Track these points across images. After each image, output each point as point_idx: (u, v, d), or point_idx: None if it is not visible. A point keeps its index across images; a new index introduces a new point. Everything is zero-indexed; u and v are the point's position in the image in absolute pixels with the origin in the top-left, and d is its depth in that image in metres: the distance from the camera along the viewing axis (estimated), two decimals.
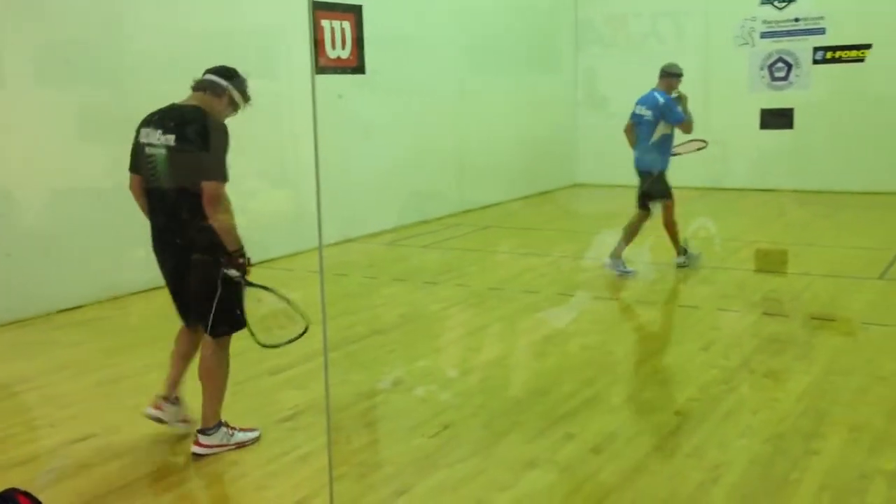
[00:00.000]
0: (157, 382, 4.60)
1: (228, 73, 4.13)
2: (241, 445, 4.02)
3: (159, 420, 4.17)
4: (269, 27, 8.54)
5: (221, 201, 3.77)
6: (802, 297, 6.70)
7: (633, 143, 7.36)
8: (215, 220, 3.75)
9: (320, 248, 3.50)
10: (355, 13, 9.42)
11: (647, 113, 7.19)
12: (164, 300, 6.75)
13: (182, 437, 4.19)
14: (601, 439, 3.98)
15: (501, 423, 4.22)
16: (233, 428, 4.05)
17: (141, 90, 7.28)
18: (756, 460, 3.72)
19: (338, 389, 4.31)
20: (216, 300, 3.85)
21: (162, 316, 6.44)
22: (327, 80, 9.06)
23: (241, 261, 3.86)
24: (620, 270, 7.17)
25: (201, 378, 4.03)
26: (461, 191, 11.37)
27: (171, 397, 4.24)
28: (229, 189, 4.12)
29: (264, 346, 4.06)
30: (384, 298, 6.81)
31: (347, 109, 9.08)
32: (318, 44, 9.01)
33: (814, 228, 9.30)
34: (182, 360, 4.25)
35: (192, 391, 4.17)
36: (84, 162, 6.92)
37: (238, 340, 4.58)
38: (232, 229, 3.81)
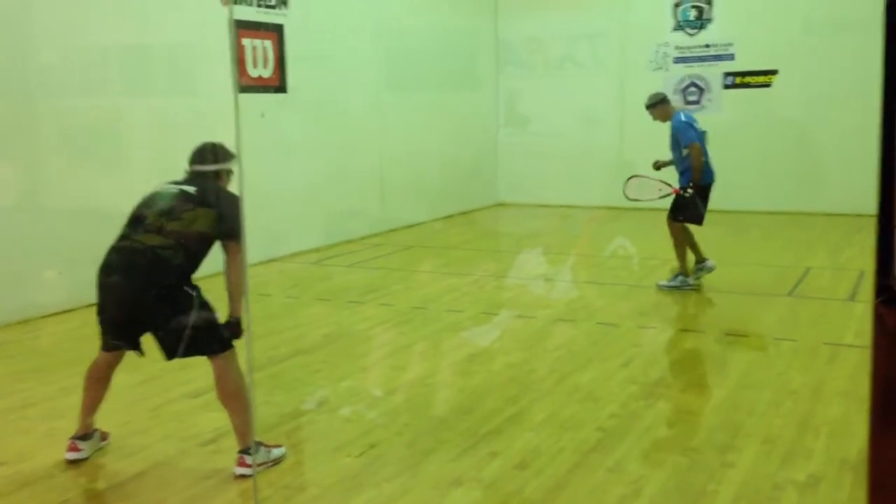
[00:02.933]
0: (69, 407, 4.48)
1: (211, 159, 4.08)
2: (276, 462, 3.94)
3: (80, 459, 4.05)
4: (186, 44, 8.43)
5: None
6: (716, 313, 6.93)
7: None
8: (238, 279, 3.88)
9: (244, 266, 3.45)
10: (277, 32, 9.37)
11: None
12: (76, 323, 6.65)
13: (100, 460, 4.08)
14: (525, 456, 4.03)
15: (427, 442, 4.23)
16: (267, 445, 3.96)
17: (50, 106, 7.11)
18: (674, 473, 3.82)
19: (262, 410, 4.26)
20: (194, 324, 3.81)
21: (73, 339, 6.32)
22: (249, 99, 8.99)
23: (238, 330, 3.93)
24: (688, 285, 7.21)
25: (224, 402, 3.93)
26: (384, 210, 11.38)
27: (90, 433, 4.12)
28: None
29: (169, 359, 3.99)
30: (308, 318, 6.76)
31: (270, 128, 9.02)
32: (239, 62, 8.93)
33: (725, 247, 9.58)
34: (100, 392, 4.12)
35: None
36: None
37: (150, 365, 4.51)
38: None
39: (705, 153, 7.28)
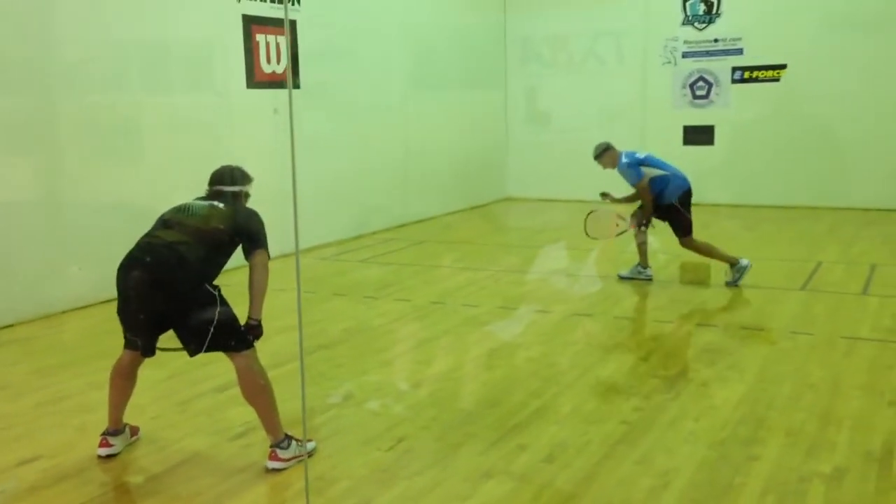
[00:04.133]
0: (99, 402, 4.55)
1: (234, 181, 4.24)
2: (308, 456, 4.00)
3: (112, 455, 4.12)
4: (202, 41, 8.48)
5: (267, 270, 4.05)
6: (731, 307, 6.98)
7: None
8: (261, 284, 4.01)
9: (297, 256, 3.50)
10: (290, 28, 9.41)
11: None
12: (98, 318, 6.71)
13: (133, 454, 4.15)
14: (553, 449, 4.09)
15: (455, 436, 4.29)
16: (298, 440, 4.03)
17: (71, 101, 7.15)
18: (702, 466, 3.87)
19: (288, 405, 4.30)
20: (216, 321, 3.89)
21: (97, 333, 6.38)
22: (262, 95, 9.03)
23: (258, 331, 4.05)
24: (736, 279, 7.35)
25: (249, 399, 4.01)
26: (395, 205, 11.43)
27: (120, 429, 4.18)
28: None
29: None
30: (326, 313, 6.81)
31: (283, 124, 9.06)
32: (252, 58, 8.98)
33: (737, 241, 9.63)
34: (127, 389, 4.19)
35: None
36: (8, 174, 6.73)
37: (177, 359, 4.57)
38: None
39: (667, 167, 7.46)
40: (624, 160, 7.44)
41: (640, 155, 7.50)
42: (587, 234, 7.67)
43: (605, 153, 7.54)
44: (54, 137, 7.09)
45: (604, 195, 7.66)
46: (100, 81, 7.42)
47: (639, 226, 7.52)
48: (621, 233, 7.63)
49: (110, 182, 7.42)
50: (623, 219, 7.56)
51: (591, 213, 7.67)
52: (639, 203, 7.53)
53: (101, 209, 7.24)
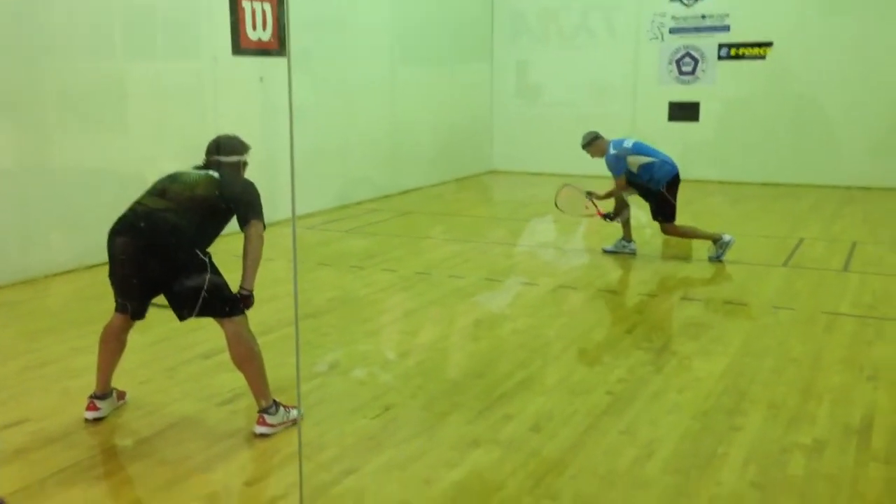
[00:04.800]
0: (83, 367, 4.56)
1: (232, 151, 4.20)
2: (294, 423, 4.02)
3: (98, 418, 4.12)
4: (187, 6, 8.37)
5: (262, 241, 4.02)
6: (715, 282, 7.04)
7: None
8: (255, 254, 3.98)
9: (293, 226, 3.49)
10: None
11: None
12: (82, 283, 6.68)
13: (120, 418, 4.15)
14: (539, 419, 4.14)
15: (441, 405, 4.32)
16: (286, 406, 4.04)
17: (56, 68, 7.06)
18: (686, 436, 3.93)
19: (275, 373, 4.31)
20: (207, 287, 3.89)
21: (81, 299, 6.36)
22: (248, 62, 8.94)
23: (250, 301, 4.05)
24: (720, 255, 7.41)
25: (239, 365, 4.01)
26: (381, 176, 11.40)
27: (107, 393, 4.18)
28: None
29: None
30: (311, 283, 6.81)
31: (270, 92, 8.99)
32: (238, 25, 8.88)
33: (721, 218, 9.73)
34: (116, 353, 4.19)
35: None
36: None
37: (163, 325, 4.58)
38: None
39: (655, 153, 7.49)
40: (612, 151, 7.47)
41: (628, 143, 7.52)
42: (556, 205, 7.74)
43: (593, 142, 7.58)
44: (38, 103, 7.00)
45: (589, 194, 7.69)
46: (83, 47, 7.32)
47: (606, 217, 7.61)
48: (589, 216, 7.72)
49: (94, 148, 7.35)
50: (594, 204, 7.64)
51: (565, 185, 7.73)
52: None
53: (85, 176, 7.19)
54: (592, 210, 7.64)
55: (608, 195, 7.62)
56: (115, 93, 7.59)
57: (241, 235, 4.03)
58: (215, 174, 4.11)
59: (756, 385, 4.58)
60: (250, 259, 4.01)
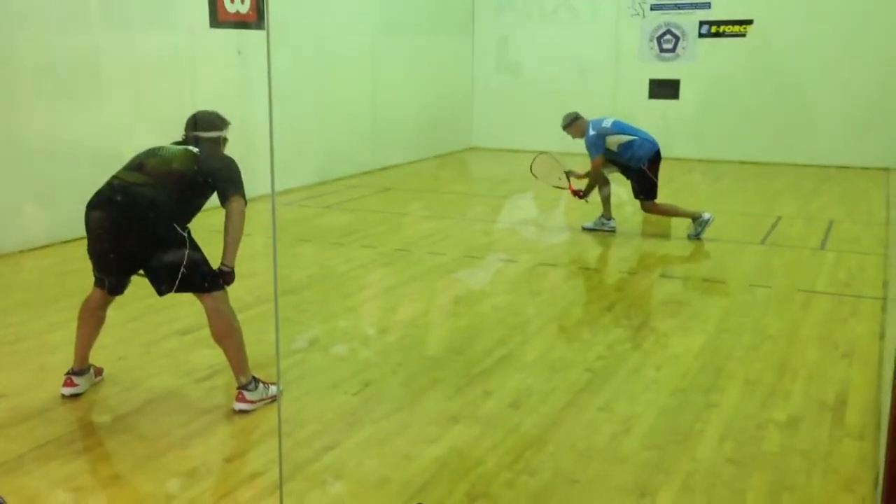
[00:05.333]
0: (59, 342, 4.53)
1: (212, 127, 4.13)
2: (273, 399, 4.01)
3: (76, 394, 4.09)
4: None
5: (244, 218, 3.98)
6: (693, 260, 7.09)
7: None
8: (236, 231, 3.95)
9: (273, 199, 3.45)
10: None
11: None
12: (56, 258, 6.61)
13: (98, 394, 4.13)
14: (518, 395, 4.16)
15: (421, 381, 4.33)
16: (265, 382, 4.03)
17: (30, 39, 6.93)
18: (663, 412, 3.97)
19: (255, 349, 4.30)
20: (186, 262, 3.86)
21: (55, 274, 6.30)
22: (226, 35, 8.83)
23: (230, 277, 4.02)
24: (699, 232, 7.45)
25: (218, 340, 3.99)
26: (361, 152, 11.34)
27: (85, 368, 4.15)
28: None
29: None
30: (291, 259, 6.78)
31: (249, 66, 8.89)
32: None
33: (699, 195, 9.79)
34: (95, 328, 4.16)
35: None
36: None
37: (140, 301, 4.54)
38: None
39: (635, 131, 7.52)
40: (591, 132, 7.47)
41: (607, 123, 7.52)
42: (531, 170, 7.78)
43: (573, 123, 7.60)
44: (10, 77, 6.88)
45: (568, 173, 7.70)
46: (57, 18, 7.19)
47: (576, 194, 7.64)
48: (560, 188, 7.76)
49: (69, 123, 7.23)
50: (568, 179, 7.67)
51: (542, 153, 7.75)
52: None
53: (60, 149, 7.07)
54: (565, 184, 7.67)
55: (586, 175, 7.63)
56: (90, 65, 7.47)
57: (220, 211, 3.99)
58: (194, 149, 4.07)
59: (732, 362, 4.62)
60: (231, 235, 3.98)
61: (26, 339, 4.91)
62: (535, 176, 7.79)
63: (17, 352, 4.73)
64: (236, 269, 4.05)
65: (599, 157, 7.43)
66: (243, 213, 3.98)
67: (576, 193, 7.65)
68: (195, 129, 4.11)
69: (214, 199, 4.07)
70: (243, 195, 4.00)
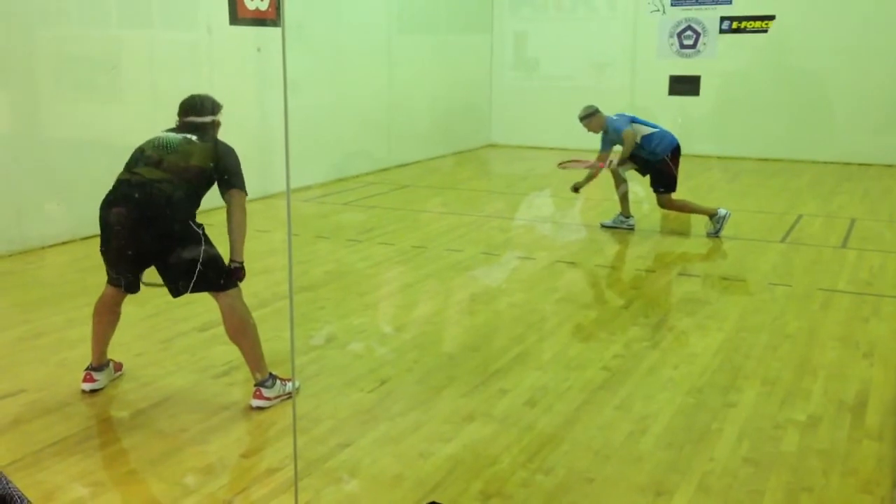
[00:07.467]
0: (79, 338, 4.56)
1: (205, 111, 4.08)
2: (290, 396, 4.02)
3: (95, 390, 4.12)
4: None
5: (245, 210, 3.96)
6: (712, 258, 7.04)
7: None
8: (240, 225, 3.92)
9: (288, 196, 3.44)
10: None
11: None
12: (77, 254, 6.66)
13: (116, 390, 4.16)
14: (534, 393, 4.15)
15: (437, 379, 4.33)
16: (282, 379, 4.04)
17: (51, 36, 6.99)
18: (680, 412, 3.94)
19: (272, 345, 4.32)
20: (202, 259, 3.87)
21: (76, 270, 6.35)
22: (245, 33, 8.86)
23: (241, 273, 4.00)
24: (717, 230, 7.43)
25: (234, 338, 4.00)
26: (379, 149, 11.35)
27: (104, 364, 4.18)
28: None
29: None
30: (309, 255, 6.80)
31: (266, 63, 8.91)
32: None
33: (719, 193, 9.72)
34: (110, 325, 4.18)
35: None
36: None
37: (158, 298, 4.56)
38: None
39: (655, 126, 7.48)
40: (614, 117, 7.48)
41: (627, 116, 7.52)
42: (560, 163, 7.89)
43: (591, 116, 7.53)
44: (32, 72, 6.94)
45: (575, 189, 7.70)
46: (77, 14, 7.24)
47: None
48: (564, 166, 7.84)
49: (89, 118, 7.30)
50: (568, 165, 7.79)
51: (576, 160, 7.75)
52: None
53: (79, 145, 7.13)
54: (567, 167, 7.75)
55: (622, 157, 7.52)
56: (110, 62, 7.52)
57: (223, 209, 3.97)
58: (194, 138, 4.01)
59: (751, 361, 4.58)
60: (237, 230, 3.94)
61: (47, 335, 4.95)
62: (564, 163, 7.80)
63: (37, 347, 4.77)
64: (253, 266, 4.05)
65: (629, 129, 7.37)
66: (245, 206, 3.95)
67: (574, 187, 7.70)
68: (188, 115, 4.05)
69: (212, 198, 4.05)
70: (244, 187, 3.98)
